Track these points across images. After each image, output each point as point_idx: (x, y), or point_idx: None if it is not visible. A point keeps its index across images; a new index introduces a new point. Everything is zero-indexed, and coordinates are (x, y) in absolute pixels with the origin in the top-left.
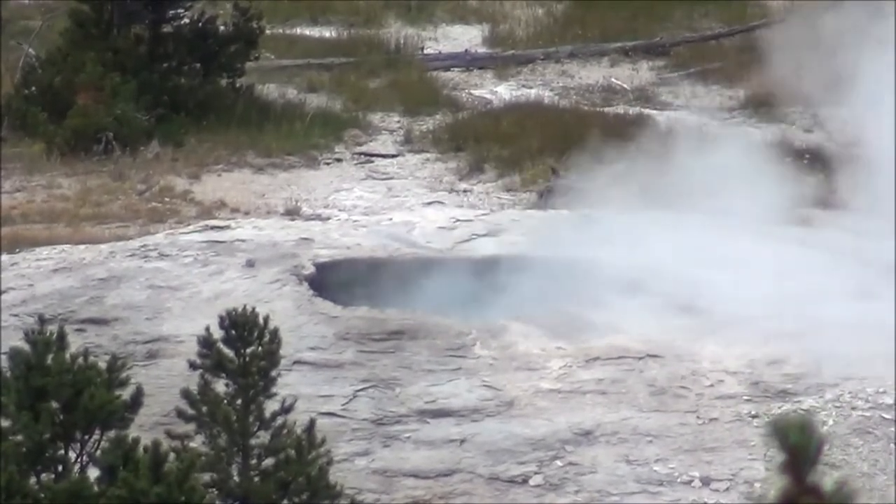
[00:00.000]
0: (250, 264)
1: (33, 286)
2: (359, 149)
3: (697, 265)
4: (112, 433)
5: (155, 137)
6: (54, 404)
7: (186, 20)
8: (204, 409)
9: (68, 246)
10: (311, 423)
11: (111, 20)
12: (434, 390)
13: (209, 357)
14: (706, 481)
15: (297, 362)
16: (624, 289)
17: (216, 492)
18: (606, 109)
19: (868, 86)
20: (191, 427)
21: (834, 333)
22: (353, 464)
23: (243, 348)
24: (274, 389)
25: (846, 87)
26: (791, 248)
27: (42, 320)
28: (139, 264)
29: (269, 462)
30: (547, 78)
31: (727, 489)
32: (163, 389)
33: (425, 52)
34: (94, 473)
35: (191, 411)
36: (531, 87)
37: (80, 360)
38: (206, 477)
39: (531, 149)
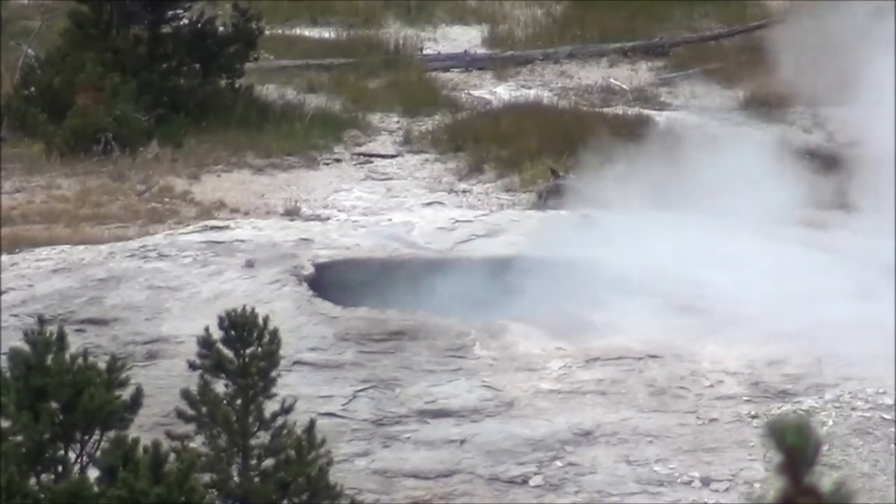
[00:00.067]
0: (250, 265)
1: (33, 286)
2: (358, 149)
3: (697, 265)
4: (112, 433)
5: (154, 138)
6: (54, 405)
7: (186, 21)
8: (204, 409)
9: (68, 246)
10: (311, 423)
11: (110, 20)
12: (434, 391)
13: (209, 357)
14: (706, 482)
15: (296, 363)
16: (624, 289)
17: (216, 492)
18: (605, 110)
19: (868, 86)
20: (191, 427)
21: (834, 333)
22: (353, 464)
23: (243, 349)
24: (274, 390)
25: (846, 87)
26: (791, 248)
27: (42, 321)
28: (139, 265)
29: (269, 462)
30: (546, 78)
31: (727, 489)
32: (162, 390)
33: (424, 52)
34: (93, 474)
35: (190, 412)
36: (530, 88)
37: (80, 360)
38: (206, 477)
39: (530, 149)
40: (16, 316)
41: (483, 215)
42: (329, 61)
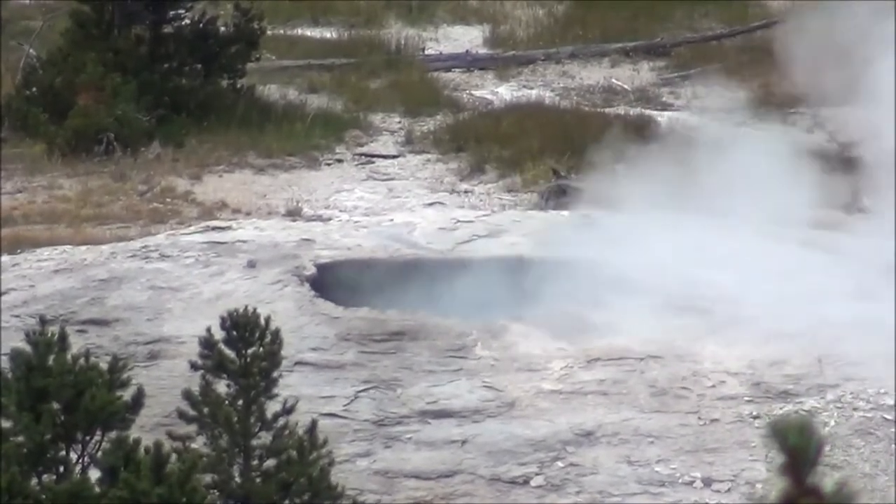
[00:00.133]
0: (251, 265)
1: (34, 287)
2: (360, 149)
3: (698, 265)
4: (113, 434)
5: (156, 138)
6: (55, 405)
7: (187, 21)
8: (205, 409)
9: (69, 247)
10: (313, 423)
11: (112, 21)
12: (435, 391)
13: (210, 358)
14: (708, 482)
15: (298, 363)
16: (625, 289)
17: (217, 493)
18: (607, 110)
19: (870, 87)
20: (192, 428)
21: (835, 333)
22: (355, 465)
23: (244, 349)
24: (275, 390)
25: (849, 88)
26: (792, 248)
27: (43, 321)
28: (140, 265)
29: (270, 463)
30: (548, 79)
31: (728, 490)
32: (164, 390)
33: (426, 52)
34: (95, 474)
35: (192, 412)
36: (532, 88)
37: (82, 360)
38: (208, 478)
39: (532, 149)
40: (17, 316)
41: (485, 216)
42: (330, 61)
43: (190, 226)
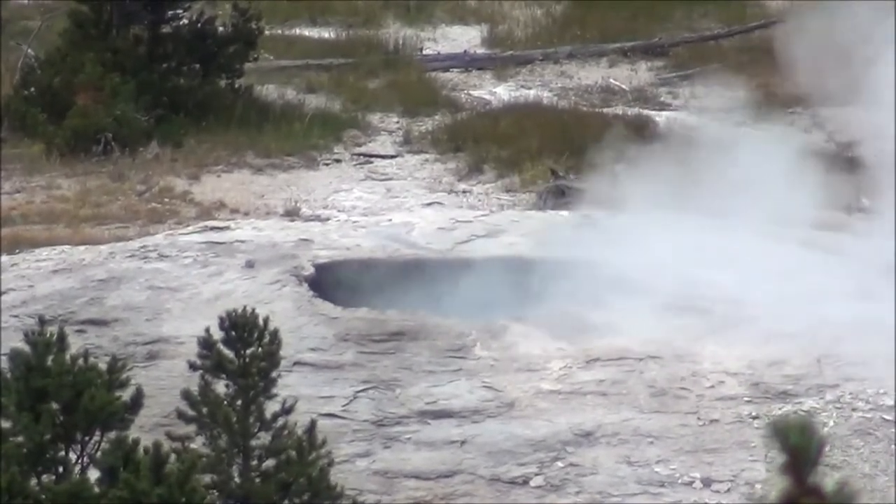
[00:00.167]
0: (250, 265)
1: (33, 287)
2: (358, 149)
3: (698, 266)
4: (112, 434)
5: (154, 138)
6: (55, 405)
7: (185, 21)
8: (204, 410)
9: (68, 247)
10: (312, 424)
11: (110, 21)
12: (435, 391)
13: (209, 358)
14: (707, 482)
15: (297, 363)
16: (624, 289)
17: (217, 493)
18: (605, 110)
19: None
20: (191, 428)
21: (835, 334)
22: (354, 465)
23: (243, 349)
24: (274, 390)
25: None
26: (792, 248)
27: (42, 321)
28: (139, 265)
29: (269, 463)
30: (546, 79)
31: (728, 490)
32: (163, 390)
33: (424, 52)
34: (94, 475)
35: (191, 412)
36: (530, 88)
37: (81, 361)
38: (207, 478)
39: (530, 149)
40: (16, 317)
41: (483, 216)
42: (329, 61)
43: (188, 226)
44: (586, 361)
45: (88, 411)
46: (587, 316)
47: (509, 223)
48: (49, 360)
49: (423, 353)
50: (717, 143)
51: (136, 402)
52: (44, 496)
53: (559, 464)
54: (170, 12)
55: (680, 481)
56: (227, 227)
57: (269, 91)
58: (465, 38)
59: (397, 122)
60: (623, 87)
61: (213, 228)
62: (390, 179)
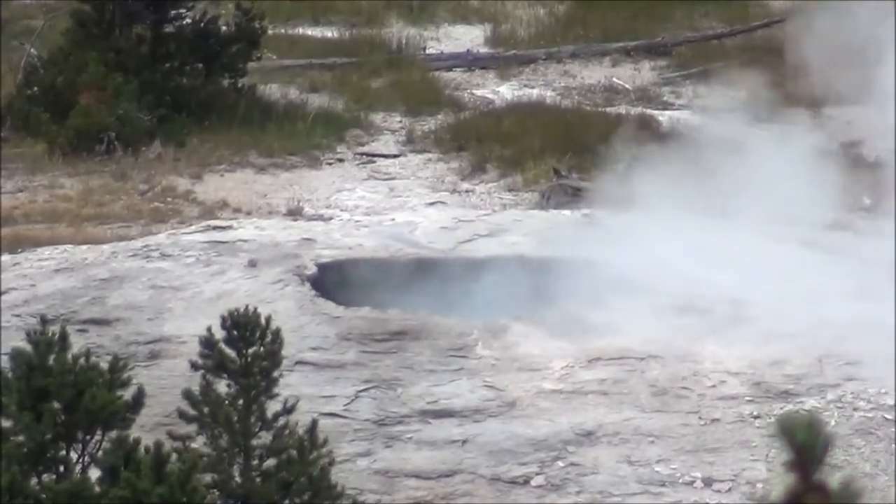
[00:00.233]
0: (252, 264)
1: (35, 286)
2: (361, 149)
3: (699, 265)
4: (113, 434)
5: (157, 137)
6: (56, 405)
7: (188, 20)
8: (205, 409)
9: (70, 246)
10: (314, 423)
11: (113, 20)
12: (436, 391)
13: (211, 357)
14: (708, 482)
15: (298, 363)
16: (625, 289)
17: (218, 492)
18: (608, 109)
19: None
20: (192, 428)
21: (836, 333)
22: (355, 464)
23: (245, 349)
24: (276, 390)
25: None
26: (792, 247)
27: (44, 321)
28: (141, 264)
29: (270, 462)
30: (549, 78)
31: (729, 490)
32: (164, 390)
33: (427, 52)
34: (95, 474)
35: (192, 412)
36: (533, 87)
37: (82, 360)
38: (208, 477)
39: (533, 149)
40: (18, 316)
41: (486, 215)
42: (332, 61)
43: (191, 225)
44: (588, 361)
45: (90, 411)
46: (588, 315)
47: (512, 222)
48: (51, 360)
49: (425, 353)
50: (720, 143)
51: (138, 402)
52: (44, 496)
53: (560, 463)
54: (173, 12)
55: (681, 481)
56: (230, 227)
57: (272, 90)
58: (468, 37)
59: (400, 122)
60: (626, 86)
61: (215, 228)
62: (393, 179)
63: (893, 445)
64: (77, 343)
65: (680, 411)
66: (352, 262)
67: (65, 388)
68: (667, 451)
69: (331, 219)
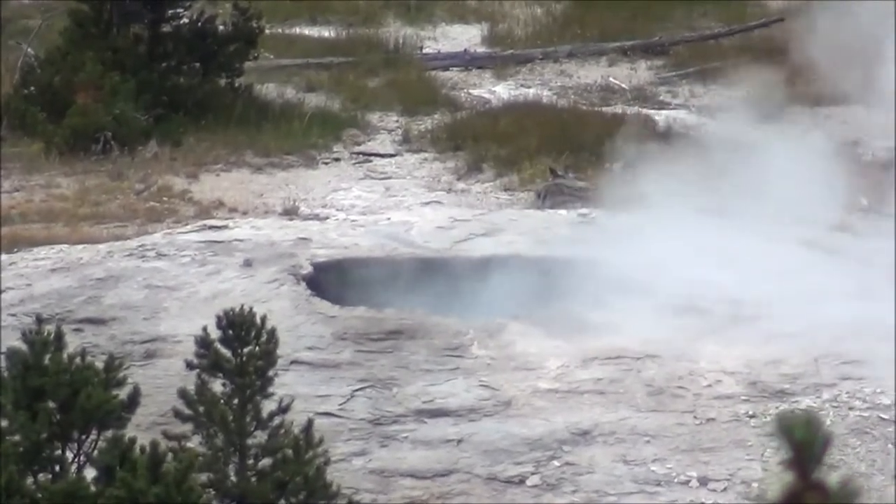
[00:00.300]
0: (248, 264)
1: (31, 286)
2: (357, 148)
3: (696, 265)
4: (109, 433)
5: (153, 137)
6: (51, 404)
7: (185, 20)
8: (201, 409)
9: (66, 245)
10: (309, 422)
11: (110, 20)
12: (431, 390)
13: (206, 357)
14: (704, 481)
15: (294, 362)
16: (622, 289)
17: (213, 492)
18: (605, 109)
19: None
20: (188, 427)
21: (833, 333)
22: (351, 464)
23: (240, 348)
24: (271, 389)
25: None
26: (792, 247)
27: (40, 320)
28: (137, 264)
29: (266, 462)
30: (545, 77)
31: (725, 489)
32: (160, 389)
33: (424, 51)
34: (91, 473)
35: (188, 411)
36: (530, 87)
37: (78, 359)
38: (204, 477)
39: (529, 148)
40: (14, 315)
41: (482, 214)
42: (328, 60)
43: (187, 224)
44: (583, 360)
45: (85, 410)
46: (585, 315)
47: (508, 222)
48: (46, 359)
49: (421, 352)
50: (716, 142)
51: (133, 401)
52: (40, 495)
53: (556, 463)
54: (170, 11)
55: (676, 480)
56: (226, 226)
57: (268, 90)
58: (464, 36)
59: (397, 121)
60: (623, 85)
61: (211, 227)
62: (389, 178)
63: (889, 445)
64: (73, 342)
65: (676, 411)
66: (349, 262)
67: (60, 388)
68: (662, 451)
69: (327, 218)
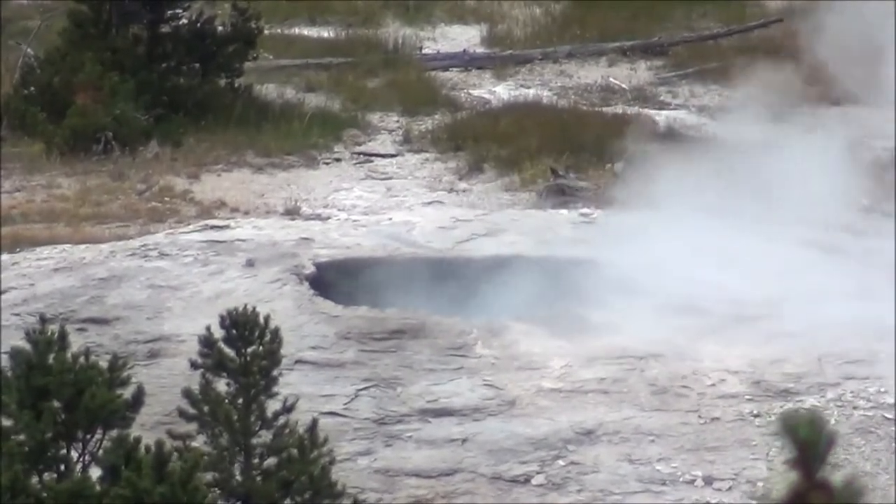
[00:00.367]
0: (250, 264)
1: (34, 286)
2: (358, 148)
3: (698, 265)
4: (114, 432)
5: (154, 137)
6: (56, 404)
7: (185, 20)
8: (205, 408)
9: (68, 245)
10: (314, 422)
11: (110, 20)
12: (436, 389)
13: (210, 356)
14: (708, 480)
15: (298, 362)
16: (624, 288)
17: (218, 491)
18: (605, 109)
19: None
20: (192, 427)
21: (836, 332)
22: (356, 463)
23: (244, 348)
24: (275, 389)
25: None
26: (792, 247)
27: (43, 320)
28: (139, 264)
29: (271, 461)
30: (545, 78)
31: (729, 488)
32: (164, 389)
33: (424, 51)
34: (96, 473)
35: (192, 411)
36: (529, 87)
37: (82, 359)
38: (209, 476)
39: (530, 148)
40: (17, 315)
41: (483, 214)
42: (328, 60)
43: (189, 225)
44: (587, 360)
45: (89, 409)
46: (588, 314)
47: (509, 222)
48: (50, 359)
49: (424, 352)
50: (716, 142)
51: (138, 401)
52: (45, 494)
53: (560, 462)
54: (169, 12)
55: (681, 479)
56: (228, 226)
57: (268, 90)
58: (464, 37)
59: (397, 122)
60: (622, 86)
61: (213, 227)
62: (390, 178)
63: (893, 444)
64: (76, 342)
65: (680, 410)
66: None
67: (64, 387)
68: (667, 450)
69: (328, 218)
